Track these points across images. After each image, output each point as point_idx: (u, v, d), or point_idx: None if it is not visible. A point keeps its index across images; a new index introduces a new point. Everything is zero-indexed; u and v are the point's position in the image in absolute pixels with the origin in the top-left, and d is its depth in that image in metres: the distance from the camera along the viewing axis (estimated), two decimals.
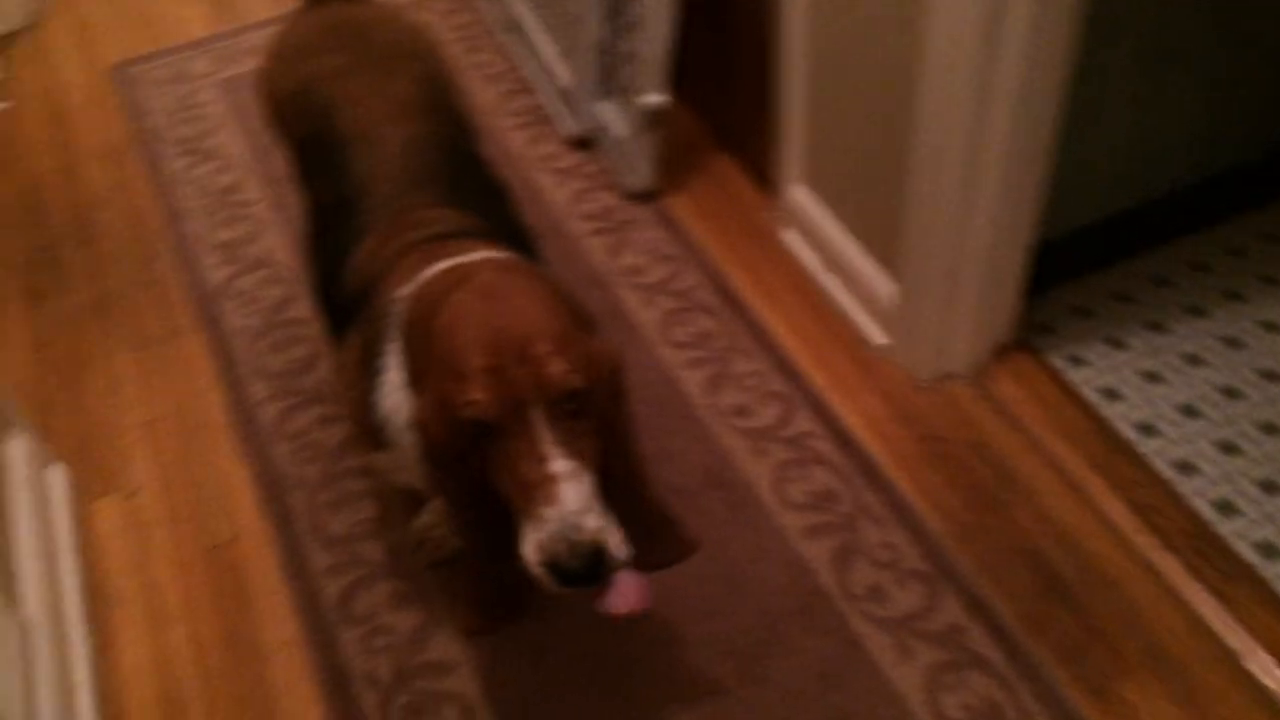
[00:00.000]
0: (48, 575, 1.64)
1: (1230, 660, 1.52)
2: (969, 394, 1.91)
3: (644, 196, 2.32)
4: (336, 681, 1.59)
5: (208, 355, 2.06)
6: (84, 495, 1.86)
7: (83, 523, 1.82)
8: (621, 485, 1.18)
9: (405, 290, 1.23)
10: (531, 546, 1.06)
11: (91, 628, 1.67)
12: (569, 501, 1.04)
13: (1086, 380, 1.91)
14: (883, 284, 1.94)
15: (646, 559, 1.22)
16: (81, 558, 1.76)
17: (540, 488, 1.05)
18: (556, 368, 1.04)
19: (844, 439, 1.85)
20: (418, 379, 1.16)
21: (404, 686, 1.58)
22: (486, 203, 1.51)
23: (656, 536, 1.26)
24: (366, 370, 1.28)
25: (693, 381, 1.97)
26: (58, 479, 1.84)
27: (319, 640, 1.64)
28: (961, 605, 1.62)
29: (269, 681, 1.60)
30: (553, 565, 1.05)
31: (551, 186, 2.38)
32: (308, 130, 1.56)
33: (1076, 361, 1.95)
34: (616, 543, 1.09)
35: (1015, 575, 1.65)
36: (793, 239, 2.18)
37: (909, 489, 1.78)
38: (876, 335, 2.00)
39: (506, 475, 1.08)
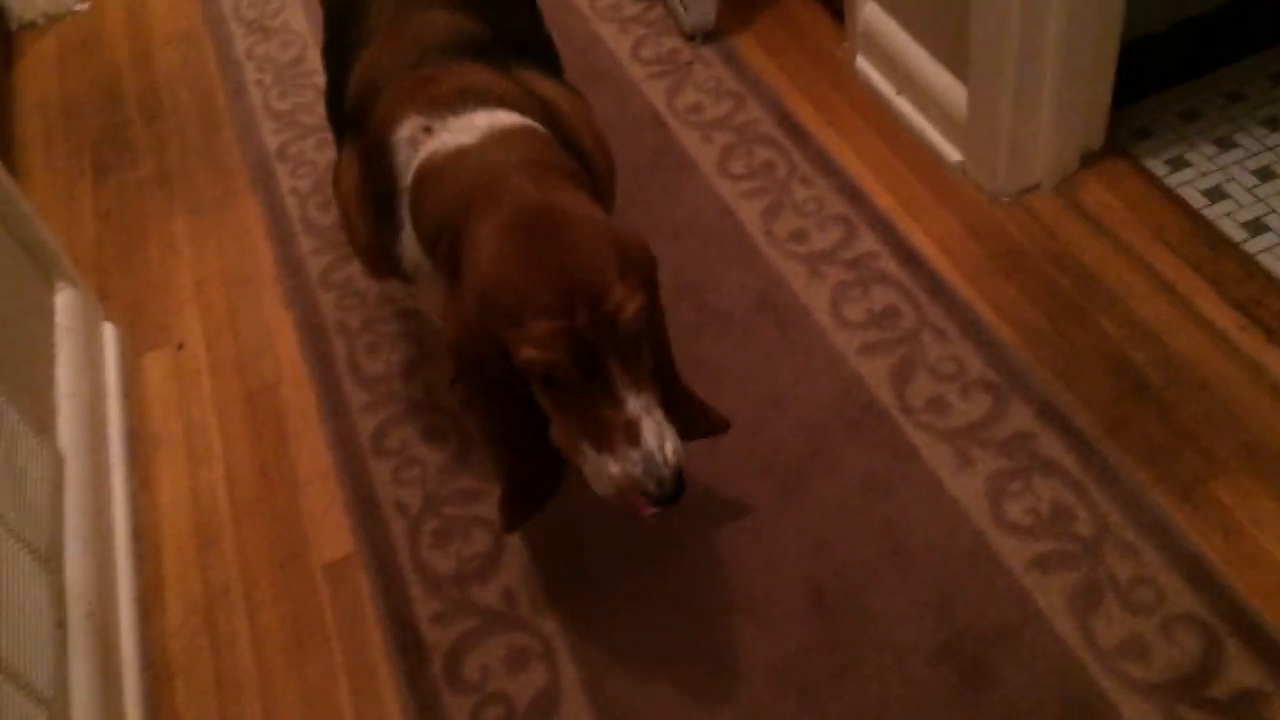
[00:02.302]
0: (89, 416, 1.64)
1: None
2: (1053, 206, 1.72)
3: (707, 36, 2.18)
4: (366, 509, 1.54)
5: (259, 215, 2.04)
6: (135, 348, 1.87)
7: (132, 374, 1.83)
8: (663, 373, 1.14)
9: (404, 134, 1.14)
10: (607, 479, 1.04)
11: (132, 467, 1.67)
12: (650, 439, 1.01)
13: (1188, 182, 1.69)
14: (955, 94, 1.76)
15: (688, 436, 1.18)
16: (128, 405, 1.77)
17: (620, 430, 1.01)
18: (629, 312, 0.99)
19: (910, 257, 1.69)
20: (439, 262, 1.10)
21: (433, 513, 1.52)
22: (501, 6, 1.39)
23: (691, 417, 1.24)
24: (381, 218, 1.21)
25: (749, 211, 1.83)
26: (110, 334, 1.85)
27: (351, 472, 1.60)
28: (1032, 412, 1.45)
29: (301, 511, 1.57)
30: (648, 496, 1.03)
31: (613, 35, 2.27)
32: None
33: (1178, 164, 1.72)
34: (680, 450, 1.05)
35: (1094, 381, 1.47)
36: (863, 65, 2.01)
37: (979, 303, 1.61)
38: (951, 153, 1.82)
39: (575, 417, 1.04)
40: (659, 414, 1.04)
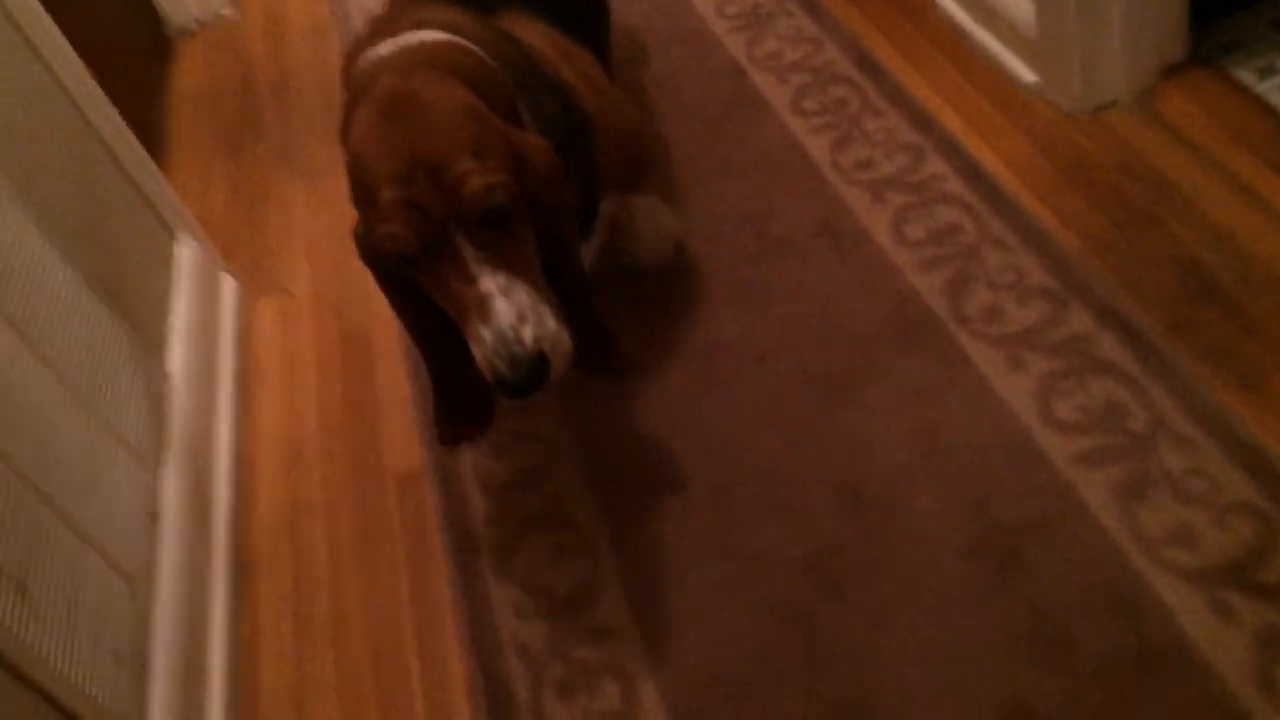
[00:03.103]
0: (201, 349, 1.79)
1: None
2: (1129, 119, 1.66)
3: None
4: None
5: None
6: (250, 296, 2.02)
7: (245, 318, 1.98)
8: (564, 286, 1.14)
9: (361, 65, 1.21)
10: (479, 363, 1.03)
11: (239, 396, 1.82)
12: (503, 315, 0.99)
13: (1278, 88, 1.60)
14: (1026, 13, 1.72)
15: (585, 364, 1.20)
16: (240, 344, 1.92)
17: (474, 307, 1.01)
18: (474, 184, 0.98)
19: (976, 175, 1.66)
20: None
21: (493, 429, 1.59)
22: None
23: (589, 348, 1.21)
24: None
25: (818, 145, 1.84)
26: (228, 284, 2.01)
27: (425, 398, 1.68)
28: (1091, 316, 1.40)
29: (379, 433, 1.67)
30: (497, 379, 1.01)
31: None
32: None
33: (1268, 72, 1.63)
34: (561, 342, 1.04)
35: (1160, 284, 1.41)
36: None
37: (1044, 214, 1.57)
38: (1025, 75, 1.77)
39: (440, 296, 1.05)
40: (524, 297, 1.01)
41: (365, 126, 1.03)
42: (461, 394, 1.22)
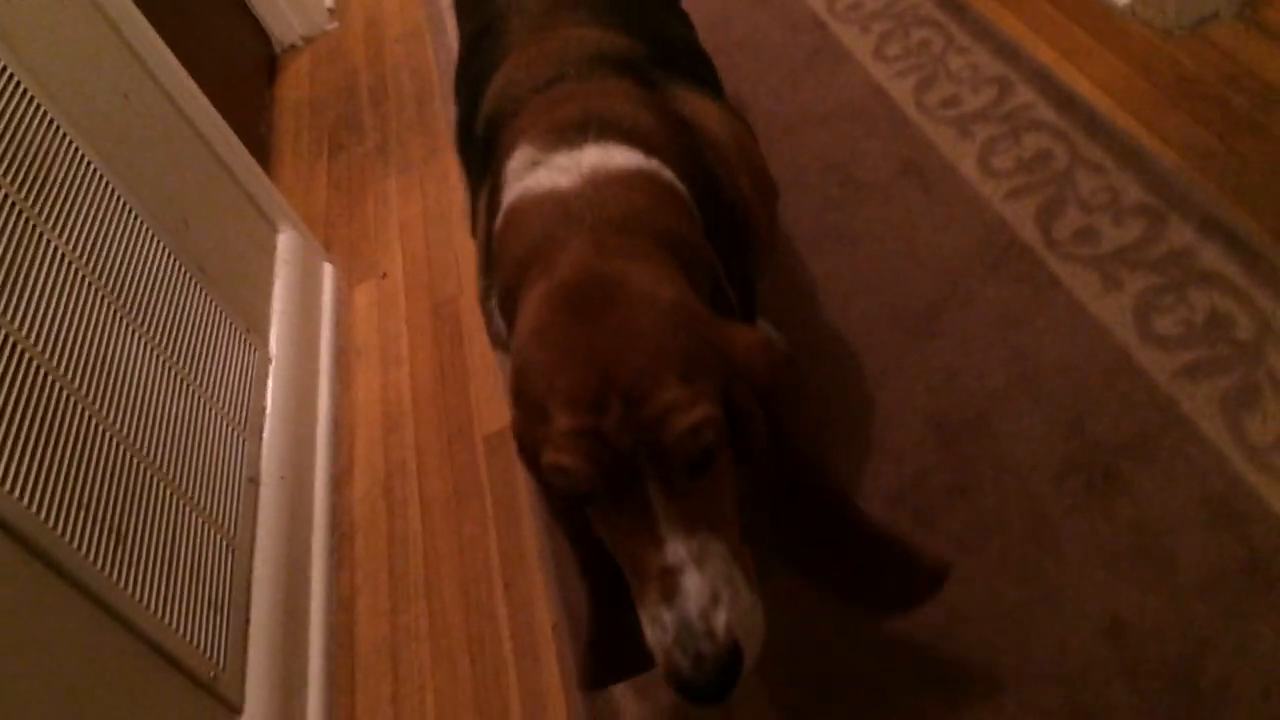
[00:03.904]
0: (301, 331, 1.85)
1: None
2: (1230, 30, 1.56)
3: None
4: None
5: (456, 165, 2.22)
6: (349, 283, 2.08)
7: (345, 303, 2.04)
8: (812, 511, 0.88)
9: (515, 166, 0.95)
10: (651, 644, 0.78)
11: (337, 372, 1.87)
12: (692, 598, 0.74)
13: None
14: None
15: (872, 597, 0.93)
16: (338, 326, 1.98)
17: (655, 578, 0.76)
18: (681, 423, 0.73)
19: (1068, 102, 1.59)
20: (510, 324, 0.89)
21: None
22: (653, 21, 1.21)
23: (883, 570, 0.92)
24: (483, 270, 1.04)
25: (901, 88, 1.79)
26: (328, 272, 2.08)
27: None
28: (1192, 229, 1.32)
29: (469, 396, 1.69)
30: (675, 677, 0.75)
31: None
32: None
33: None
34: (756, 623, 0.78)
35: (1268, 190, 1.32)
36: None
37: (1142, 134, 1.49)
38: None
39: (612, 544, 0.81)
40: (720, 565, 0.76)
41: (543, 320, 0.79)
42: (623, 639, 0.87)
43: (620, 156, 0.91)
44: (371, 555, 1.53)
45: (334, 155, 2.53)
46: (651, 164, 0.92)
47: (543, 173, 0.91)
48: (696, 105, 1.07)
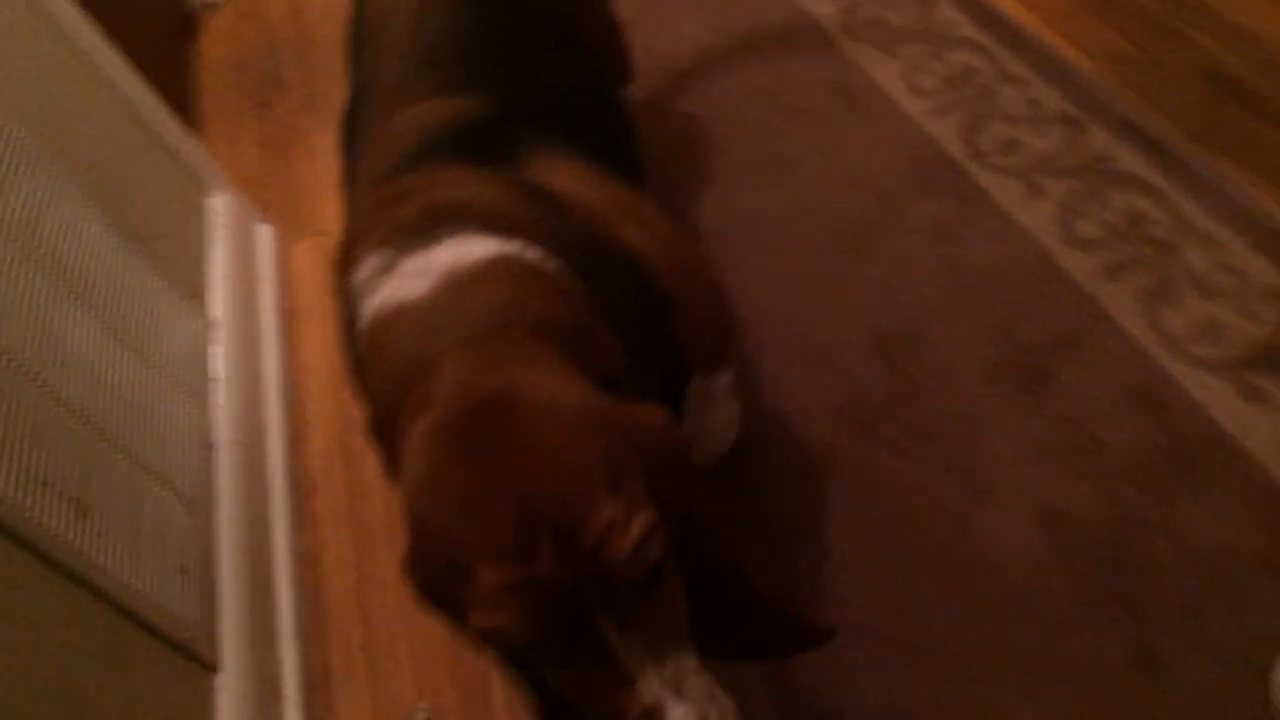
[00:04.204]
0: (242, 293, 1.85)
1: None
2: None
3: None
4: None
5: None
6: (287, 242, 2.07)
7: (284, 263, 2.03)
8: (716, 585, 0.79)
9: (361, 278, 0.84)
10: None
11: (285, 335, 1.87)
12: None
13: None
14: None
15: (767, 650, 0.89)
16: (280, 286, 1.97)
17: (633, 715, 0.67)
18: (622, 544, 0.63)
19: (990, 19, 1.62)
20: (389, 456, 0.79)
21: None
22: (526, 68, 1.07)
23: (777, 630, 0.87)
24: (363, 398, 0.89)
25: (826, 11, 1.80)
26: (264, 232, 2.07)
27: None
28: (1110, 134, 1.36)
29: None
30: None
31: None
32: None
33: None
34: (728, 709, 0.70)
35: (1183, 93, 1.36)
36: None
37: (1061, 44, 1.52)
38: None
39: (578, 697, 0.70)
40: (695, 681, 0.68)
41: (434, 463, 0.67)
42: None
43: (477, 247, 0.80)
44: (333, 509, 1.55)
45: (262, 113, 2.50)
46: (512, 246, 0.81)
47: (393, 283, 0.80)
48: (553, 170, 0.95)
